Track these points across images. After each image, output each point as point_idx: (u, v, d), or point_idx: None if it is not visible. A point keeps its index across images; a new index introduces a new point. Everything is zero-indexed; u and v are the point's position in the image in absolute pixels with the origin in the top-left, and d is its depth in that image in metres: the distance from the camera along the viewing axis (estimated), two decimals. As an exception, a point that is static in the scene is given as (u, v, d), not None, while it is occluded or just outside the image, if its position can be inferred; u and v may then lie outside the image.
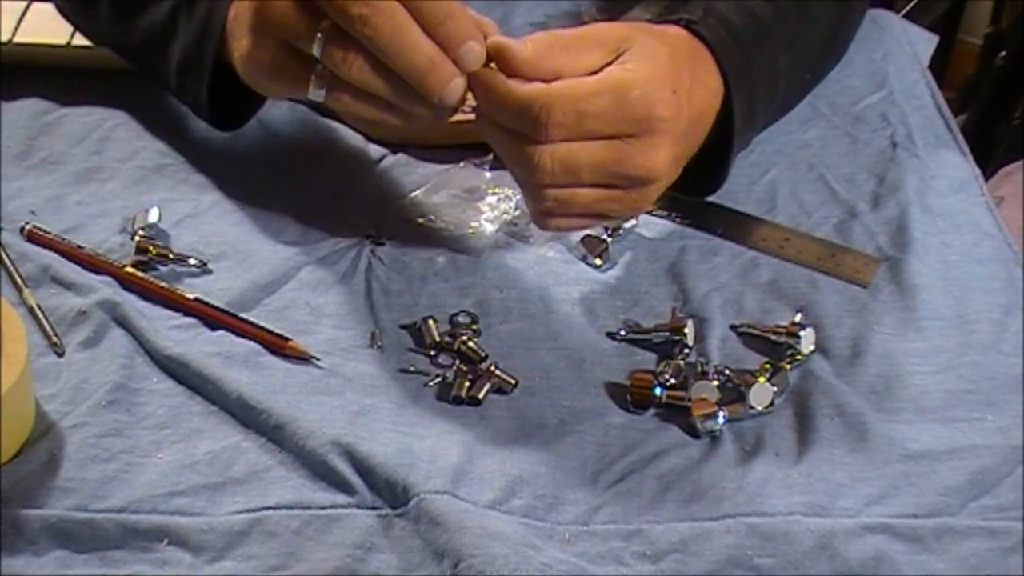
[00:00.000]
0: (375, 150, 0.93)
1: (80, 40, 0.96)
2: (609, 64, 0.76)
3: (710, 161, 0.84)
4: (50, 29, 0.96)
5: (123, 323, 0.77)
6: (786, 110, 0.95)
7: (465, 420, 0.75)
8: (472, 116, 0.78)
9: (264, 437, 0.73)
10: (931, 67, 1.08)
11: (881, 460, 0.74)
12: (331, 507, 0.69)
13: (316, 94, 0.77)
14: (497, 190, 0.90)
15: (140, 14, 0.89)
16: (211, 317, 0.79)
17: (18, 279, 0.80)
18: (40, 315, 0.78)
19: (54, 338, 0.77)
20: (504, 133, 0.76)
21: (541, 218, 0.79)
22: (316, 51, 0.75)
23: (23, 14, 0.97)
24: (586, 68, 0.76)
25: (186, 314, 0.79)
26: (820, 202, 0.91)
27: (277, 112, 0.94)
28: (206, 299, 0.79)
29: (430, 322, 0.80)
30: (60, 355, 0.76)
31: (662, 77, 0.77)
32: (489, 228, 0.87)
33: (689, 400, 0.76)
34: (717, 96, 0.82)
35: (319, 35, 0.74)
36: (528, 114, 0.74)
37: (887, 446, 0.74)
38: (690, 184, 0.83)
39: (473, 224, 0.87)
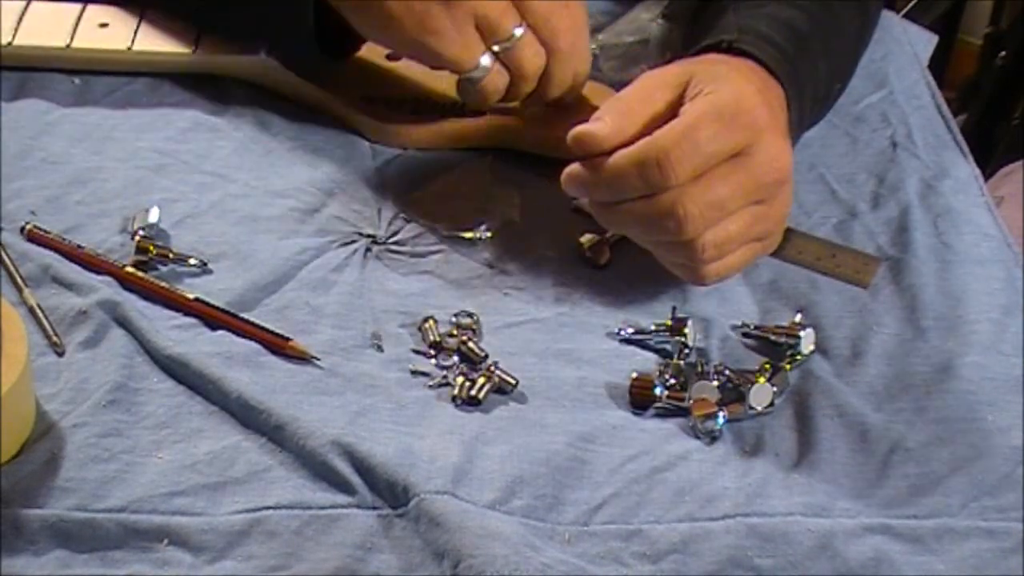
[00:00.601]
0: (375, 150, 0.93)
1: (80, 41, 0.96)
2: (680, 102, 0.77)
3: None
4: (50, 30, 0.96)
5: (123, 323, 0.77)
6: (820, 119, 0.94)
7: (465, 420, 0.75)
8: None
9: (264, 437, 0.73)
10: (931, 67, 1.08)
11: (881, 460, 0.74)
12: (331, 507, 0.69)
13: (481, 70, 0.85)
14: (497, 190, 0.90)
15: None
16: (211, 317, 0.79)
17: (18, 279, 0.80)
18: (40, 315, 0.78)
19: (54, 338, 0.77)
20: (640, 212, 0.76)
21: (703, 272, 0.78)
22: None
23: (22, 14, 0.97)
24: (663, 114, 0.77)
25: (186, 314, 0.79)
26: (820, 202, 0.91)
27: (278, 111, 0.94)
28: (206, 299, 0.79)
29: (430, 322, 0.80)
30: (60, 355, 0.76)
31: (740, 85, 0.77)
32: (489, 228, 0.87)
33: (689, 400, 0.76)
34: (784, 105, 0.82)
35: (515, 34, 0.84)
36: (648, 166, 0.74)
37: (887, 446, 0.74)
38: None
39: (473, 224, 0.87)
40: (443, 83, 0.92)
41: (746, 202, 0.77)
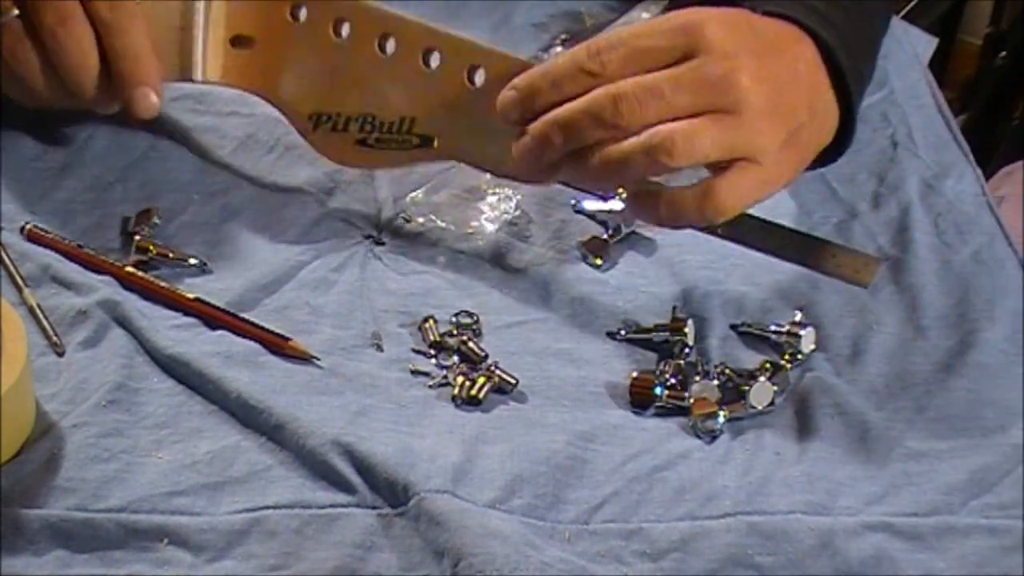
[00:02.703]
0: (375, 150, 0.93)
1: None
2: None
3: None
4: None
5: (123, 323, 0.77)
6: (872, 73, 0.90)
7: (465, 420, 0.75)
8: None
9: (264, 437, 0.73)
10: (931, 67, 1.08)
11: (881, 459, 0.74)
12: (331, 507, 0.69)
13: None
14: (497, 190, 0.90)
15: None
16: (211, 317, 0.79)
17: (18, 279, 0.80)
18: (40, 315, 0.78)
19: (54, 338, 0.77)
20: (579, 108, 0.73)
21: (703, 196, 0.74)
22: None
23: None
24: None
25: (186, 314, 0.79)
26: (820, 202, 0.91)
27: (277, 111, 0.94)
28: (206, 299, 0.79)
29: (430, 322, 0.80)
30: (60, 355, 0.76)
31: (714, 9, 0.75)
32: (489, 228, 0.87)
33: (689, 399, 0.76)
34: (814, 61, 0.79)
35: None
36: (579, 59, 0.74)
37: (887, 445, 0.74)
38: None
39: (473, 224, 0.87)
40: (393, 100, 0.86)
41: (692, 100, 0.73)
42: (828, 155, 0.82)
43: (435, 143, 0.85)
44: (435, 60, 0.83)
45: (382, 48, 0.84)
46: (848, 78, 0.80)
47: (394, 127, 0.85)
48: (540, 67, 0.77)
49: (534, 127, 0.75)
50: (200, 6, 0.85)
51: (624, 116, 0.73)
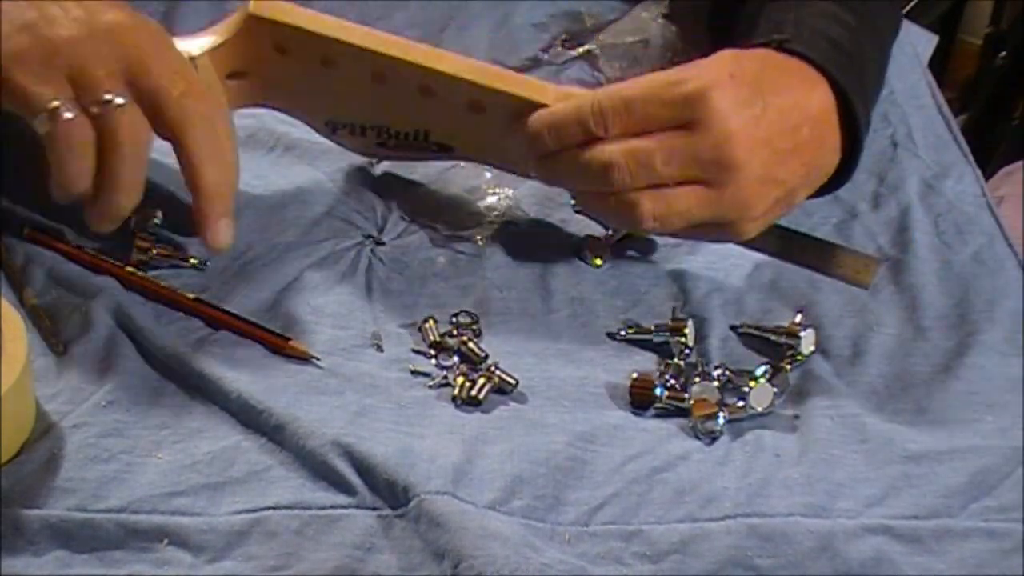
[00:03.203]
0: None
1: None
2: None
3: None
4: None
5: (123, 323, 0.77)
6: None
7: (465, 420, 0.75)
8: None
9: (264, 437, 0.73)
10: (931, 67, 1.08)
11: (881, 461, 0.74)
12: (331, 507, 0.69)
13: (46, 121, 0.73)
14: (497, 190, 0.90)
15: None
16: (212, 317, 0.79)
17: (18, 279, 0.80)
18: (40, 315, 0.78)
19: (54, 338, 0.77)
20: (573, 160, 0.78)
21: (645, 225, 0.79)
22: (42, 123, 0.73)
23: None
24: None
25: (187, 314, 0.79)
26: (820, 202, 0.91)
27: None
28: (206, 299, 0.79)
29: (430, 322, 0.80)
30: (60, 355, 0.76)
31: (714, 68, 0.77)
32: (489, 228, 0.87)
33: (689, 400, 0.76)
34: (824, 105, 0.81)
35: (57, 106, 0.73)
36: (583, 116, 0.77)
37: (887, 447, 0.74)
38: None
39: (473, 224, 0.87)
40: (401, 118, 0.86)
41: (683, 173, 0.76)
42: (826, 187, 0.84)
43: (454, 150, 0.86)
44: (433, 90, 0.82)
45: (378, 81, 0.82)
46: (860, 123, 0.81)
47: (410, 136, 0.86)
48: (547, 114, 0.79)
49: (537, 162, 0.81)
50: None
51: (614, 184, 0.77)
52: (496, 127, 0.82)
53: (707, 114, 0.75)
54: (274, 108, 0.88)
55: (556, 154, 0.79)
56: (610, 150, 0.76)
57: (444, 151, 0.86)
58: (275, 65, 0.78)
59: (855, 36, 0.84)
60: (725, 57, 0.79)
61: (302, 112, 0.88)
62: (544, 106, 0.79)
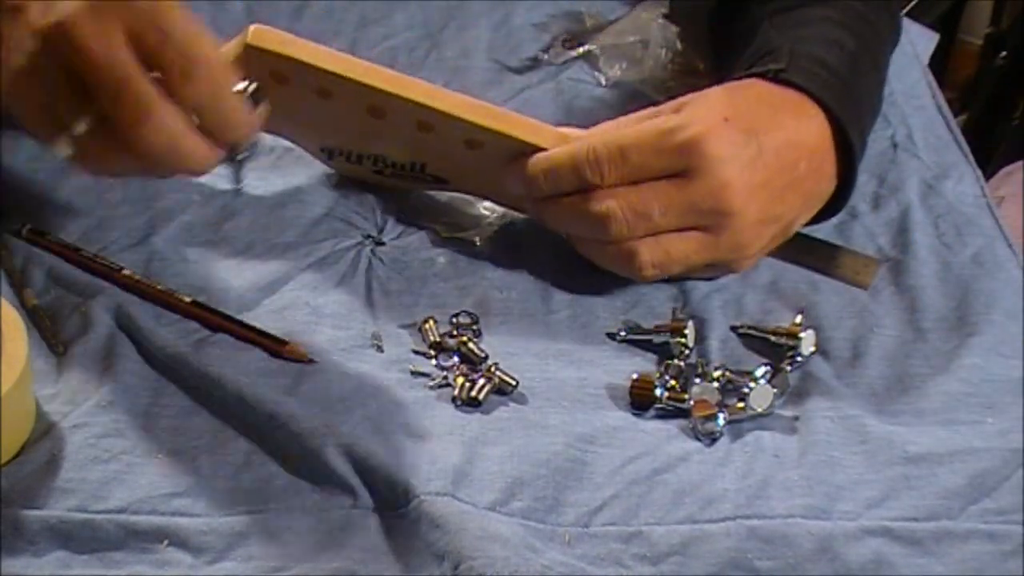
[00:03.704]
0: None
1: None
2: None
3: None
4: None
5: (123, 323, 0.77)
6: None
7: (465, 421, 0.75)
8: None
9: (264, 437, 0.73)
10: (931, 67, 1.08)
11: (881, 463, 0.74)
12: (331, 508, 0.69)
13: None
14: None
15: None
16: (210, 322, 0.78)
17: (18, 279, 0.80)
18: (40, 315, 0.78)
19: (54, 338, 0.77)
20: (571, 207, 0.79)
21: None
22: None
23: None
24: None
25: (184, 316, 0.79)
26: (820, 203, 0.91)
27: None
28: (205, 303, 0.79)
29: (430, 322, 0.80)
30: (60, 355, 0.76)
31: (708, 110, 0.78)
32: (489, 228, 0.87)
33: (690, 401, 0.76)
34: (820, 135, 0.81)
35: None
36: (580, 164, 0.77)
37: (887, 449, 0.74)
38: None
39: (473, 225, 0.87)
40: (398, 151, 0.85)
41: (680, 222, 0.78)
42: (822, 214, 0.86)
43: (449, 183, 0.86)
44: (430, 126, 0.81)
45: (375, 115, 0.82)
46: (855, 153, 0.82)
47: (407, 167, 0.86)
48: (543, 160, 0.79)
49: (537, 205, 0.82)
50: None
51: (612, 235, 0.78)
52: (493, 164, 0.82)
53: (703, 163, 0.76)
54: (269, 132, 0.88)
55: (553, 199, 0.80)
56: (607, 202, 0.77)
57: (440, 183, 0.87)
58: (272, 93, 0.78)
59: (854, 61, 0.85)
60: (720, 97, 0.80)
61: (298, 138, 0.88)
62: (541, 148, 0.80)
